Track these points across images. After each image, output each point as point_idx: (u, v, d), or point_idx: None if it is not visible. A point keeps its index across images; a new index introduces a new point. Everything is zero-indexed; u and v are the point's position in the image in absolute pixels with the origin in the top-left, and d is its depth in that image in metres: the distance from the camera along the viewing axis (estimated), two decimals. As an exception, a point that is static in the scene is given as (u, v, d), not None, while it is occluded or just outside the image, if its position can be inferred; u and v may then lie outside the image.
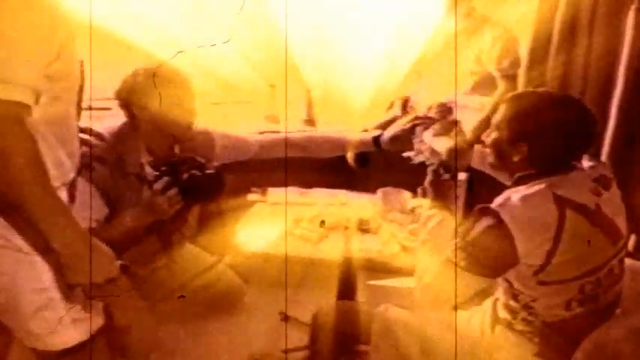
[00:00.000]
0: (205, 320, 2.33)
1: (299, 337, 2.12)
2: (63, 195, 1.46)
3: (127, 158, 1.97)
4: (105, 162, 1.91)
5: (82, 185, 1.69)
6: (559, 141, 1.56)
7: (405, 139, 2.30)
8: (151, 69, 1.94)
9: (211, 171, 1.99)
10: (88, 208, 1.78)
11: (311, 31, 3.50)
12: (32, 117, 1.29)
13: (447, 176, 1.87)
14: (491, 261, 1.54)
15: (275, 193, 3.18)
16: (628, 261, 1.69)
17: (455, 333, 1.72)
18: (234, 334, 2.26)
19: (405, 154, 2.29)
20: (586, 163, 1.66)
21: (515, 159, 1.61)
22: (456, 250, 1.55)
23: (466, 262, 1.54)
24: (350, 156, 2.88)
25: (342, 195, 3.19)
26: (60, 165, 1.43)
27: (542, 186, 1.54)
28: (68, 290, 1.42)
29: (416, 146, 2.29)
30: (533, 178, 1.59)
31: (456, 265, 1.54)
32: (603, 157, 2.63)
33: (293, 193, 3.20)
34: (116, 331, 1.72)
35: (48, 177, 1.31)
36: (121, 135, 1.99)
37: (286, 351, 2.13)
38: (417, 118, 2.32)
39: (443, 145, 2.08)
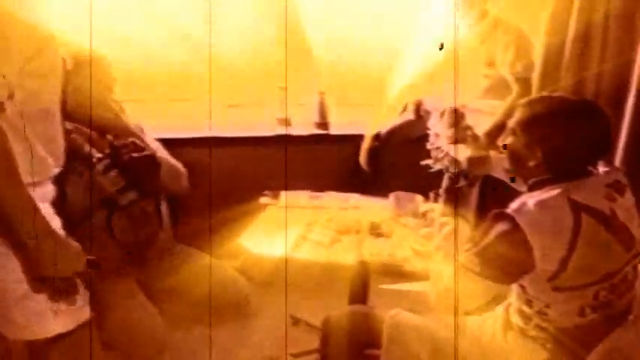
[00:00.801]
0: (215, 324, 2.33)
1: (309, 341, 2.12)
2: (49, 189, 1.51)
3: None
4: None
5: None
6: (575, 146, 1.55)
7: (400, 132, 2.33)
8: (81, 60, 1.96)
9: (148, 153, 2.12)
10: None
11: (326, 33, 3.51)
12: (5, 112, 1.31)
13: (463, 183, 1.87)
14: (506, 267, 1.53)
15: (287, 197, 3.18)
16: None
17: (466, 337, 1.72)
18: (245, 338, 2.26)
19: (424, 162, 2.29)
20: (601, 168, 1.64)
21: (531, 164, 1.60)
22: (467, 255, 1.55)
23: (481, 268, 1.53)
24: (362, 159, 2.88)
25: (354, 199, 3.18)
26: (40, 161, 1.45)
27: (558, 191, 1.52)
28: (39, 283, 1.43)
29: (433, 154, 2.29)
30: (547, 183, 1.57)
31: (468, 270, 1.54)
32: (617, 163, 2.61)
33: (305, 196, 3.20)
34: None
35: (17, 172, 1.33)
36: None
37: (297, 355, 2.13)
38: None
39: (462, 153, 2.07)
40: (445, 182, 1.93)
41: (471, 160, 1.98)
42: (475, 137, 2.25)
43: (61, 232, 1.48)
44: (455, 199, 1.86)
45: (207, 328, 2.31)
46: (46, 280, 1.40)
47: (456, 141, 2.20)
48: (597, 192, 1.55)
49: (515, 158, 1.65)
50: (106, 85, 2.09)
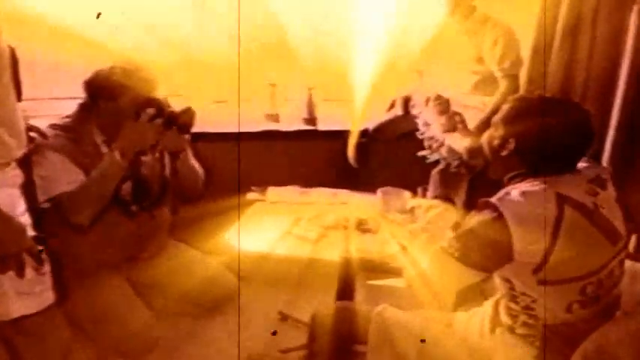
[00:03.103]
0: (203, 320, 2.32)
1: (297, 337, 2.11)
2: (16, 171, 1.55)
3: (82, 138, 2.06)
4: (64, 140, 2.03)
5: (52, 157, 1.93)
6: (552, 143, 1.57)
7: (387, 128, 2.33)
8: (129, 69, 2.07)
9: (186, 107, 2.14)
10: (62, 176, 1.95)
11: (312, 30, 3.50)
12: None
13: (464, 172, 1.88)
14: (485, 253, 1.54)
15: (274, 192, 3.17)
16: (627, 263, 1.69)
17: (453, 334, 1.72)
18: (232, 334, 2.25)
19: (420, 153, 2.29)
20: (581, 163, 1.66)
21: (503, 154, 1.63)
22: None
23: (460, 253, 1.54)
24: (350, 154, 2.88)
25: (342, 194, 3.18)
26: (1, 144, 1.47)
27: (542, 183, 1.54)
28: None
29: (426, 143, 2.28)
30: (524, 177, 1.60)
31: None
32: (605, 158, 2.62)
33: (293, 192, 3.19)
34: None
35: None
36: (75, 119, 2.10)
37: (284, 351, 2.12)
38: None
39: (461, 144, 2.07)
40: (439, 166, 1.93)
41: (470, 151, 1.98)
42: (465, 125, 2.24)
43: (24, 215, 1.53)
44: (445, 181, 1.87)
45: (194, 324, 2.31)
46: None
47: (450, 129, 2.19)
48: (579, 187, 1.57)
49: (492, 150, 1.69)
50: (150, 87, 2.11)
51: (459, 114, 2.27)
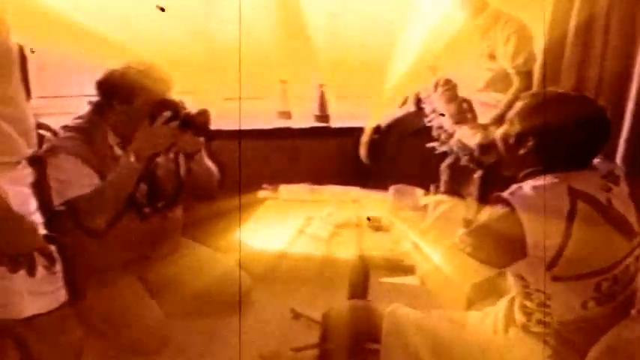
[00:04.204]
0: (215, 318, 2.32)
1: (309, 335, 2.11)
2: (27, 170, 1.53)
3: (95, 140, 2.06)
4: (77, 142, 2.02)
5: (66, 160, 1.94)
6: (569, 141, 1.55)
7: (400, 125, 2.32)
8: (143, 69, 2.06)
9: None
10: (76, 179, 1.96)
11: (326, 24, 3.49)
12: None
13: (479, 172, 1.86)
14: (498, 249, 1.53)
15: (286, 190, 3.17)
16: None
17: (467, 333, 1.71)
18: (244, 332, 2.25)
19: (429, 145, 2.27)
20: (595, 160, 1.64)
21: (521, 152, 1.61)
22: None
23: (472, 249, 1.54)
24: (362, 151, 2.86)
25: (353, 192, 3.17)
26: (11, 142, 1.45)
27: (555, 178, 1.53)
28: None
29: (435, 132, 2.26)
30: (539, 173, 1.58)
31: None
32: (618, 156, 2.60)
33: (304, 189, 3.18)
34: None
35: None
36: (88, 121, 2.09)
37: (297, 349, 2.12)
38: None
39: (473, 140, 2.05)
40: (448, 159, 1.91)
41: (482, 147, 1.96)
42: (474, 114, 2.22)
43: (35, 214, 1.52)
44: (455, 175, 1.85)
45: (207, 322, 2.31)
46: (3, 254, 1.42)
47: (460, 120, 2.16)
48: (592, 182, 1.55)
49: (508, 147, 1.67)
50: (164, 88, 2.11)
51: (467, 101, 2.25)
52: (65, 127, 2.05)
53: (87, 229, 1.97)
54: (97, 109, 2.11)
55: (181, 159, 2.26)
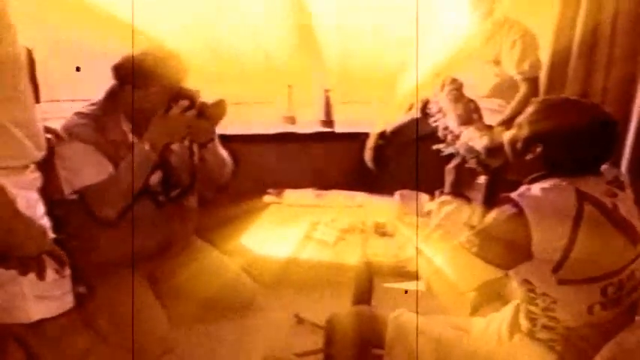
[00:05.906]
0: (219, 323, 2.32)
1: (313, 341, 2.11)
2: (35, 174, 1.53)
3: (109, 126, 2.04)
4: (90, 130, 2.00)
5: (78, 148, 1.93)
6: (578, 148, 1.55)
7: (405, 131, 2.31)
8: (160, 56, 2.04)
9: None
10: (89, 168, 1.95)
11: (333, 31, 3.49)
12: None
13: (482, 177, 1.86)
14: (504, 249, 1.52)
15: (291, 195, 3.17)
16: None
17: (471, 339, 1.70)
18: (248, 337, 2.26)
19: (435, 147, 2.26)
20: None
21: (528, 157, 1.61)
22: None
23: (478, 249, 1.54)
24: (367, 156, 2.86)
25: (359, 197, 3.17)
26: (19, 146, 1.46)
27: (562, 181, 1.54)
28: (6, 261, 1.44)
29: (441, 133, 2.25)
30: (545, 178, 1.58)
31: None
32: (624, 162, 2.60)
33: (309, 194, 3.18)
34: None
35: None
36: (102, 107, 2.07)
37: (300, 354, 2.12)
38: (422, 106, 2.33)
39: (480, 143, 2.05)
40: (454, 160, 1.91)
41: (489, 150, 1.96)
42: (480, 115, 2.21)
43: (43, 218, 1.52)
44: (461, 177, 1.85)
45: (212, 327, 2.31)
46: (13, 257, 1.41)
47: (466, 121, 2.15)
48: (598, 187, 1.55)
49: (515, 152, 1.67)
50: (180, 76, 2.10)
51: (473, 101, 2.24)
52: (78, 114, 2.03)
53: (99, 219, 1.96)
54: (111, 95, 2.09)
55: (195, 147, 2.25)
